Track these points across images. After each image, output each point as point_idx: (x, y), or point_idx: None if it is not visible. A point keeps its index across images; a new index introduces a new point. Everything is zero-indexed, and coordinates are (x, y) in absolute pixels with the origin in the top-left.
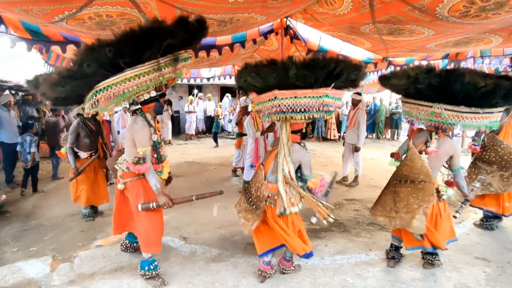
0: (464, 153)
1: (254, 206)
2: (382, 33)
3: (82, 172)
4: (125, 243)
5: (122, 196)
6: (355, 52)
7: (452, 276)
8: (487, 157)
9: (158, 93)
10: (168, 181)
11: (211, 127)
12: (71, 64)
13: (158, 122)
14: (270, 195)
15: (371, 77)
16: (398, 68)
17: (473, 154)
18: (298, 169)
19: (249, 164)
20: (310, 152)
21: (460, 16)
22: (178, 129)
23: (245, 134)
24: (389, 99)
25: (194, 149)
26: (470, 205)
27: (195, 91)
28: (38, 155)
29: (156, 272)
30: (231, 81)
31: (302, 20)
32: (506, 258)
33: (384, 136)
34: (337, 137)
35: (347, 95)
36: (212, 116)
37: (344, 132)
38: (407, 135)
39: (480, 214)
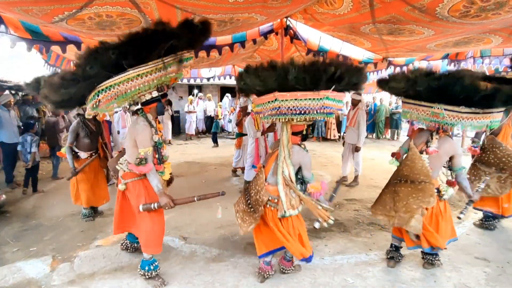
0: (464, 153)
1: (252, 209)
2: (382, 33)
3: (79, 172)
4: (126, 242)
5: (123, 196)
6: (355, 52)
7: (452, 276)
8: (486, 159)
9: (160, 93)
10: (169, 181)
11: (211, 127)
12: (75, 66)
13: (159, 122)
14: (270, 198)
15: (371, 77)
16: (398, 68)
17: (473, 156)
18: (299, 171)
19: (250, 164)
20: (310, 153)
21: (460, 16)
22: (178, 129)
23: (245, 134)
24: (389, 99)
25: (194, 149)
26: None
27: (195, 91)
28: (39, 155)
29: (156, 272)
30: (231, 81)
31: (302, 20)
32: (506, 258)
33: (384, 136)
34: (337, 137)
35: (347, 95)
36: (212, 116)
37: (344, 132)
38: (407, 135)
39: (480, 214)
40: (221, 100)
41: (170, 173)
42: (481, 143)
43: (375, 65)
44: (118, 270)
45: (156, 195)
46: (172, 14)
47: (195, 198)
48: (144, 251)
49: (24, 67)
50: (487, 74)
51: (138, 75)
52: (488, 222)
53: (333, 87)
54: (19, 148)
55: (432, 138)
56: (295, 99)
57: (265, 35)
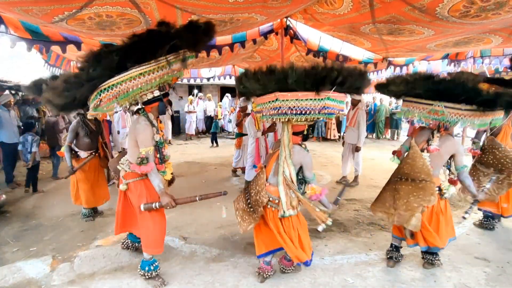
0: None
1: (252, 209)
2: (382, 33)
3: (76, 170)
4: (127, 242)
5: (125, 196)
6: (355, 52)
7: (452, 276)
8: (485, 159)
9: (162, 93)
10: (171, 181)
11: (211, 127)
12: (79, 69)
13: (160, 122)
14: (271, 198)
15: (371, 77)
16: (398, 68)
17: (474, 156)
18: (300, 170)
19: (251, 164)
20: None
21: (460, 16)
22: (178, 129)
23: (245, 134)
24: (389, 99)
25: (194, 149)
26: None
27: (195, 91)
28: (39, 154)
29: (156, 272)
30: (231, 81)
31: (302, 20)
32: (506, 258)
33: (384, 136)
34: (337, 137)
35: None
36: (212, 116)
37: (344, 132)
38: (407, 135)
39: (480, 214)
40: (221, 100)
41: (172, 173)
42: (481, 143)
43: (375, 65)
44: (118, 270)
45: (158, 195)
46: (172, 14)
47: (197, 198)
48: (145, 251)
49: (24, 67)
50: (487, 74)
51: (141, 73)
52: (488, 222)
53: (334, 87)
54: (19, 147)
55: (433, 137)
56: (296, 99)
57: (265, 35)
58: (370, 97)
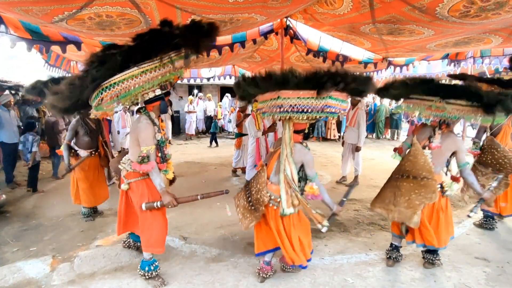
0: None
1: (253, 208)
2: (382, 33)
3: (73, 168)
4: (129, 241)
5: (126, 196)
6: (355, 52)
7: (452, 276)
8: (483, 159)
9: (163, 91)
10: (172, 181)
11: (211, 127)
12: (83, 71)
13: (162, 121)
14: (273, 197)
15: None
16: (398, 68)
17: (474, 156)
18: (302, 169)
19: (251, 164)
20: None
21: (460, 16)
22: (178, 129)
23: (245, 134)
24: (389, 100)
25: (194, 149)
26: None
27: (195, 91)
28: (39, 154)
29: (156, 272)
30: (231, 81)
31: (302, 20)
32: (506, 258)
33: (384, 136)
34: (337, 137)
35: None
36: (212, 116)
37: (344, 132)
38: (407, 135)
39: (480, 214)
40: (221, 100)
41: (173, 172)
42: (481, 143)
43: (375, 65)
44: (118, 270)
45: (159, 195)
46: (172, 14)
47: (199, 197)
48: (145, 251)
49: (24, 67)
50: (487, 74)
51: (142, 72)
52: (488, 222)
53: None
54: (20, 147)
55: (434, 134)
56: (298, 97)
57: (265, 35)
58: (370, 97)
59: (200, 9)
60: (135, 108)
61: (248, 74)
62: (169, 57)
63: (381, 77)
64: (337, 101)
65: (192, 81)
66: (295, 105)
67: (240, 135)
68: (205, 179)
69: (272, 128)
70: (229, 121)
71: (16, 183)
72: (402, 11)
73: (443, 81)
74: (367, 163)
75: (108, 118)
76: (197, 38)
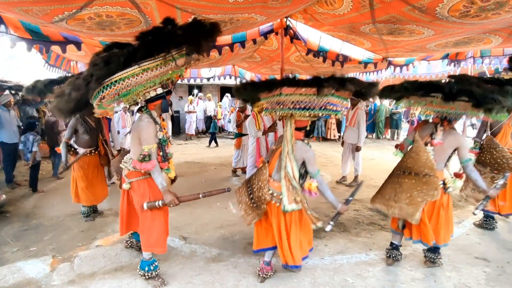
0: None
1: (255, 205)
2: (382, 33)
3: (70, 166)
4: (131, 241)
5: (128, 196)
6: (355, 52)
7: (452, 276)
8: (482, 158)
9: (165, 90)
10: (173, 180)
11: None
12: (87, 72)
13: (163, 120)
14: (275, 194)
15: (371, 77)
16: (398, 68)
17: (475, 156)
18: (304, 166)
19: (252, 164)
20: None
21: (460, 16)
22: (178, 129)
23: (245, 135)
24: (389, 100)
25: (194, 149)
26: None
27: (195, 91)
28: (39, 154)
29: (156, 272)
30: (231, 81)
31: (302, 20)
32: (506, 258)
33: (384, 136)
34: (337, 137)
35: None
36: (211, 116)
37: (344, 132)
38: (407, 135)
39: (480, 214)
40: (221, 100)
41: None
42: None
43: (375, 65)
44: (118, 270)
45: (161, 194)
46: (172, 15)
47: (200, 195)
48: (145, 251)
49: (24, 67)
50: (487, 74)
51: (144, 70)
52: (488, 222)
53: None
54: (20, 147)
55: (436, 131)
56: (300, 94)
57: (265, 35)
58: None
59: (200, 9)
60: (135, 108)
61: (248, 76)
62: (170, 55)
63: (381, 77)
64: (339, 99)
65: (192, 81)
66: (297, 101)
67: (239, 135)
68: (205, 179)
69: (273, 128)
70: (229, 121)
71: (16, 183)
72: (402, 11)
73: (443, 81)
74: (367, 163)
75: (108, 116)
76: (199, 36)
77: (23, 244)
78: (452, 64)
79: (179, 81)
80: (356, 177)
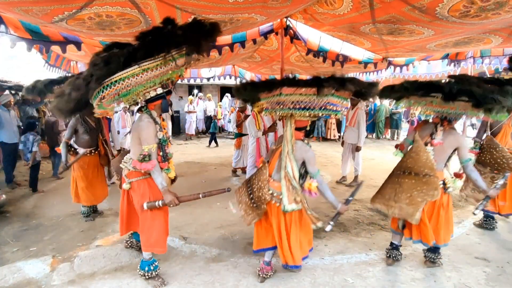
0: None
1: (255, 205)
2: (382, 33)
3: (70, 166)
4: (131, 241)
5: (128, 196)
6: (355, 52)
7: (452, 276)
8: (482, 158)
9: (165, 90)
10: (173, 180)
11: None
12: (87, 72)
13: (163, 120)
14: (275, 194)
15: (371, 77)
16: (398, 68)
17: (475, 156)
18: (304, 166)
19: (252, 164)
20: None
21: (460, 16)
22: (178, 129)
23: (245, 135)
24: (389, 99)
25: (194, 149)
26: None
27: (195, 91)
28: (39, 154)
29: (156, 272)
30: (231, 81)
31: (302, 20)
32: (506, 258)
33: (384, 136)
34: (337, 137)
35: None
36: (211, 116)
37: (344, 132)
38: (407, 135)
39: (480, 214)
40: (221, 100)
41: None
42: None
43: (375, 65)
44: (118, 270)
45: (161, 194)
46: (172, 15)
47: (200, 195)
48: (145, 251)
49: (24, 67)
50: (487, 74)
51: (144, 70)
52: (488, 222)
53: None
54: (21, 147)
55: (436, 130)
56: (300, 94)
57: (265, 35)
58: None
59: (200, 9)
60: (135, 108)
61: (248, 76)
62: (170, 55)
63: (381, 77)
64: (339, 99)
65: (192, 81)
66: (297, 101)
67: (239, 135)
68: (205, 179)
69: (273, 128)
70: (229, 121)
71: (16, 183)
72: (402, 11)
73: (443, 81)
74: (367, 163)
75: (108, 116)
76: (199, 36)
77: (23, 244)
78: (452, 64)
79: (179, 81)
80: (356, 177)
